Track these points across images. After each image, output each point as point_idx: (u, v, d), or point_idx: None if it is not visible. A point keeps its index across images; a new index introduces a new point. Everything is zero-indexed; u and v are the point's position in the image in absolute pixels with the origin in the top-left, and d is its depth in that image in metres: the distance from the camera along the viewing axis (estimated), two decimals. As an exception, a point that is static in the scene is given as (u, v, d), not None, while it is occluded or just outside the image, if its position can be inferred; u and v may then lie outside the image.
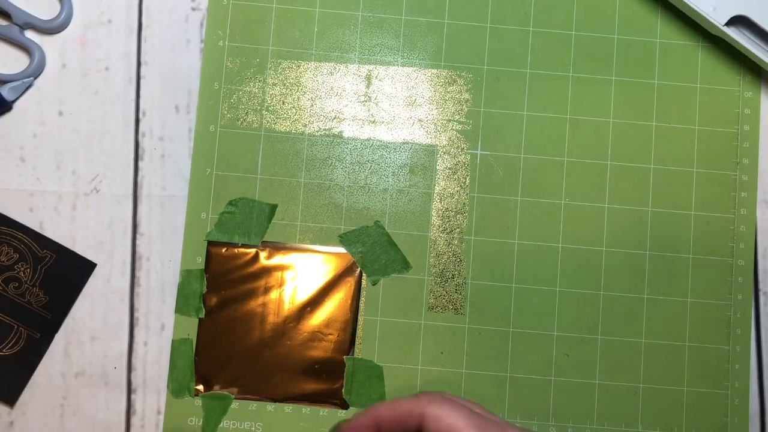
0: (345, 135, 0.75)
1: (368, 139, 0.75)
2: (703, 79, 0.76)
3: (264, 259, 0.74)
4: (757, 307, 0.75)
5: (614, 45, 0.76)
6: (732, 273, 0.75)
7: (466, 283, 0.74)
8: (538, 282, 0.75)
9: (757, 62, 0.74)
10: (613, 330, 0.74)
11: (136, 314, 0.73)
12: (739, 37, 0.73)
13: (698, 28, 0.76)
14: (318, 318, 0.74)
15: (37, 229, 0.73)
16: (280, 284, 0.74)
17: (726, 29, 0.73)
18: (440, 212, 0.75)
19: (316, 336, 0.73)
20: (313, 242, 0.74)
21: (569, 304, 0.74)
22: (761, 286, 0.75)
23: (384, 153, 0.75)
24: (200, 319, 0.73)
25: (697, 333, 0.75)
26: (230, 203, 0.74)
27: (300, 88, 0.75)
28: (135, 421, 0.73)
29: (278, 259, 0.74)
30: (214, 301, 0.73)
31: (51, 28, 0.74)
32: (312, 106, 0.75)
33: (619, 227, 0.75)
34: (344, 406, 0.73)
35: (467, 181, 0.75)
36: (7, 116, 0.73)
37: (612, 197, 0.75)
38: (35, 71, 0.73)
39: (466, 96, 0.76)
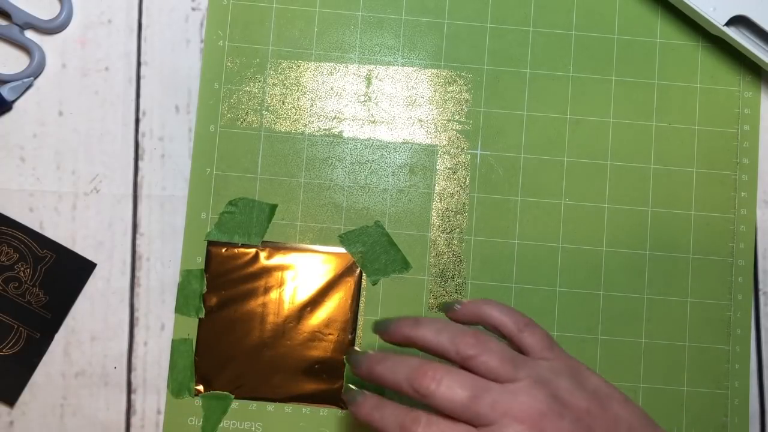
0: (345, 135, 0.75)
1: (368, 139, 0.75)
2: (703, 79, 0.76)
3: (264, 259, 0.74)
4: (757, 307, 0.75)
5: (614, 45, 0.76)
6: (732, 273, 0.75)
7: (466, 283, 0.74)
8: (538, 282, 0.75)
9: (757, 62, 0.74)
10: (613, 330, 0.74)
11: (136, 314, 0.73)
12: (739, 37, 0.73)
13: (698, 27, 0.76)
14: (318, 318, 0.73)
15: (37, 229, 0.73)
16: (280, 284, 0.74)
17: (726, 29, 0.73)
18: (440, 212, 0.75)
19: (316, 336, 0.73)
20: (313, 242, 0.74)
21: (569, 304, 0.74)
22: (761, 286, 0.75)
23: (384, 153, 0.75)
24: (200, 319, 0.73)
25: (697, 333, 0.75)
26: (230, 203, 0.74)
27: (300, 88, 0.75)
28: (135, 421, 0.73)
29: (278, 259, 0.74)
30: (214, 301, 0.73)
31: (51, 28, 0.74)
32: (312, 106, 0.75)
33: (619, 227, 0.75)
34: (344, 406, 0.73)
35: (467, 181, 0.75)
36: (7, 116, 0.73)
37: (612, 197, 0.75)
38: (35, 71, 0.73)
39: (466, 96, 0.76)
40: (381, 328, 0.62)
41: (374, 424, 0.60)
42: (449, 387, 0.55)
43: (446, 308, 0.64)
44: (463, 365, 0.58)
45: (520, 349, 0.61)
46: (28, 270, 0.72)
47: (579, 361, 0.61)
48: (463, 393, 0.55)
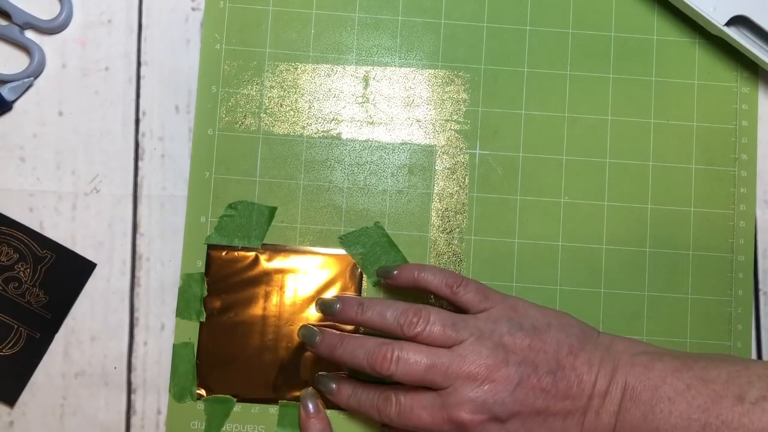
0: (343, 136, 0.75)
1: (367, 141, 0.75)
2: (700, 76, 0.77)
3: (264, 262, 0.74)
4: (757, 307, 0.75)
5: (611, 42, 0.77)
6: (732, 269, 0.75)
7: (466, 282, 0.74)
8: (539, 281, 0.75)
9: (758, 62, 0.74)
10: (614, 328, 0.74)
11: (136, 314, 0.73)
12: (739, 37, 0.73)
13: (695, 24, 0.76)
14: (319, 320, 0.73)
15: (37, 229, 0.73)
16: (281, 287, 0.74)
17: (726, 29, 0.73)
18: (440, 212, 0.75)
19: (317, 336, 0.73)
20: (313, 244, 0.74)
21: (570, 303, 0.74)
22: (761, 285, 0.75)
23: (383, 154, 0.75)
24: (201, 323, 0.73)
25: (699, 329, 0.75)
26: (230, 206, 0.74)
27: (298, 90, 0.76)
28: (135, 421, 0.72)
29: (278, 262, 0.74)
30: (215, 304, 0.73)
31: (51, 28, 0.74)
32: (310, 108, 0.75)
33: (618, 225, 0.75)
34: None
35: (466, 180, 0.75)
36: (7, 116, 0.74)
37: (611, 195, 0.75)
38: (35, 71, 0.73)
39: (464, 96, 0.76)
40: (328, 310, 0.70)
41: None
42: (405, 364, 0.64)
43: (385, 274, 0.71)
44: (412, 341, 0.65)
45: (458, 307, 0.67)
46: (28, 270, 0.72)
47: (514, 297, 0.69)
48: (418, 367, 0.63)
